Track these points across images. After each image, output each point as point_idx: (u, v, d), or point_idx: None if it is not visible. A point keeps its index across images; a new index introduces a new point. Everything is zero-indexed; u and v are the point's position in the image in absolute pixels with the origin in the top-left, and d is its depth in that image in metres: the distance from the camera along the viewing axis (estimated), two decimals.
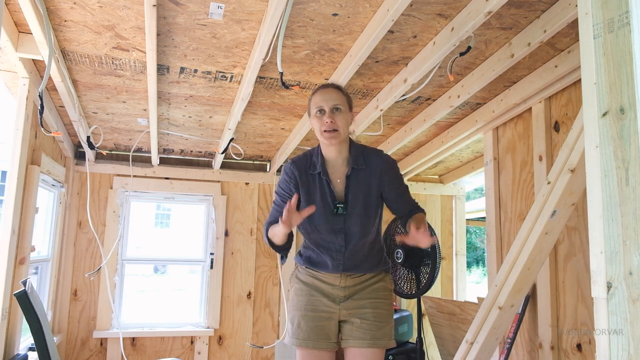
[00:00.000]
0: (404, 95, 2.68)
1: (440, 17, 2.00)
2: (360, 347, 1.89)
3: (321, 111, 1.86)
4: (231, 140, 3.35)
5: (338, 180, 1.93)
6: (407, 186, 2.02)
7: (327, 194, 1.91)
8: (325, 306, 1.93)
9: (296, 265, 2.07)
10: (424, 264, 3.26)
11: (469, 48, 2.14)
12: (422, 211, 2.00)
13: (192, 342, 3.95)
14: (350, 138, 1.98)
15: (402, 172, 3.69)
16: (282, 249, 1.95)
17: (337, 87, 1.93)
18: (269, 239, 1.96)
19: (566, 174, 2.01)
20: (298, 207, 1.88)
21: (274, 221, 1.94)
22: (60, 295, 3.67)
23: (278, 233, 1.83)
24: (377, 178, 1.92)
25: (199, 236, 4.23)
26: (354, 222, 1.90)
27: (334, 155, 1.93)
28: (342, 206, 1.89)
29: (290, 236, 1.89)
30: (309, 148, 3.81)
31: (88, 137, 3.29)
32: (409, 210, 1.98)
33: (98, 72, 2.54)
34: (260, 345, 4.06)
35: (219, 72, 2.50)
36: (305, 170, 1.95)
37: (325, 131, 1.85)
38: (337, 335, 1.95)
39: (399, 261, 3.33)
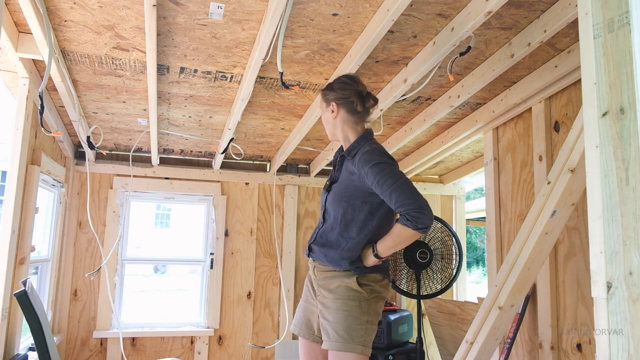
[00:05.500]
0: (404, 95, 2.68)
1: (440, 17, 1.99)
2: (324, 346, 1.87)
3: None
4: (231, 140, 3.35)
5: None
6: (389, 182, 1.74)
7: (332, 173, 2.09)
8: (312, 298, 2.03)
9: None
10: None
11: (469, 48, 2.14)
12: (404, 221, 1.74)
13: (192, 342, 3.95)
14: (367, 130, 2.02)
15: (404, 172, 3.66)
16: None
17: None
18: None
19: (566, 174, 2.01)
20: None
21: None
22: (60, 295, 3.67)
23: None
24: (357, 175, 1.86)
25: (199, 236, 4.23)
26: (330, 202, 1.99)
27: (344, 144, 2.08)
28: (329, 184, 2.04)
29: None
30: (309, 148, 3.83)
31: (88, 137, 3.29)
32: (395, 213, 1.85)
33: (98, 72, 2.54)
34: (262, 346, 4.06)
35: (219, 72, 2.50)
36: (339, 151, 2.13)
37: None
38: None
39: (424, 261, 3.31)
